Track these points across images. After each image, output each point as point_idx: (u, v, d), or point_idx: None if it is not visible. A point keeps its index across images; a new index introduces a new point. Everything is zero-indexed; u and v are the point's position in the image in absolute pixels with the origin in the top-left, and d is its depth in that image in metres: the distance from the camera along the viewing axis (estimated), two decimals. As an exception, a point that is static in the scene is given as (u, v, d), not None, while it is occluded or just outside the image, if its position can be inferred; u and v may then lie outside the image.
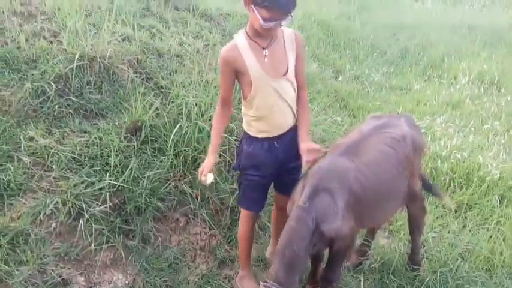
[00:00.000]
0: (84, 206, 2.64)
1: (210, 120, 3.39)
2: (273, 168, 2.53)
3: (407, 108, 5.54)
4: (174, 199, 3.11)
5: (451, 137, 4.59)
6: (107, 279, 2.62)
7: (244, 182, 2.61)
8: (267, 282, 2.18)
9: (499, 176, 3.96)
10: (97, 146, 2.96)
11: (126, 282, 2.67)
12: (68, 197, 2.65)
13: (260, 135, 2.45)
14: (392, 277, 2.98)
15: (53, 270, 2.43)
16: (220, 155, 3.23)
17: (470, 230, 3.48)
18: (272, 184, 2.74)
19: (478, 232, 3.45)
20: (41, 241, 2.50)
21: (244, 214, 2.70)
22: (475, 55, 7.74)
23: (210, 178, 2.43)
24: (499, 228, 3.48)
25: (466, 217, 3.70)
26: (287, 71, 2.32)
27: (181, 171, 3.21)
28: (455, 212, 3.78)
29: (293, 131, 2.47)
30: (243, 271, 2.84)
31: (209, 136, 3.32)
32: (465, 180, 4.00)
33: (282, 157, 2.49)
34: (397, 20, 9.35)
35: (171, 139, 3.14)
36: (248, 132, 2.50)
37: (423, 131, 4.75)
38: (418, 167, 2.85)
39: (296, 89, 2.42)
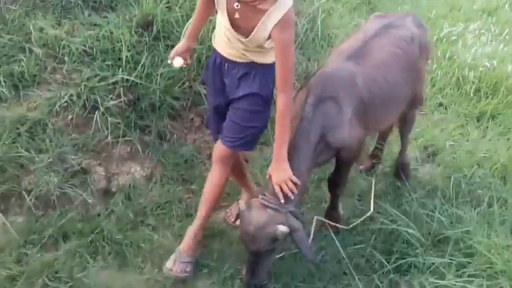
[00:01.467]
0: (98, 99, 2.64)
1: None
2: (217, 91, 2.21)
3: (440, 13, 5.14)
4: (189, 99, 3.08)
5: (482, 45, 4.31)
6: (125, 171, 2.70)
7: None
8: (265, 196, 2.08)
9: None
10: (108, 39, 2.87)
11: (144, 174, 2.75)
12: (82, 89, 2.64)
13: (216, 47, 2.15)
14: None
15: (72, 159, 2.51)
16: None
17: (489, 140, 3.41)
18: None
19: (498, 142, 3.37)
20: (59, 131, 2.55)
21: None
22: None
23: (177, 62, 2.21)
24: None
25: (487, 127, 3.60)
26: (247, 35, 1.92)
27: (195, 71, 3.12)
28: (477, 121, 3.67)
29: (254, 68, 2.05)
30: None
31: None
32: (491, 90, 3.83)
33: (229, 85, 2.14)
34: None
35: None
36: (213, 42, 2.23)
37: (454, 38, 4.47)
38: (424, 70, 2.72)
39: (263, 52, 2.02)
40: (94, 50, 2.78)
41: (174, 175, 2.83)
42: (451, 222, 2.57)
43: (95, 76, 2.71)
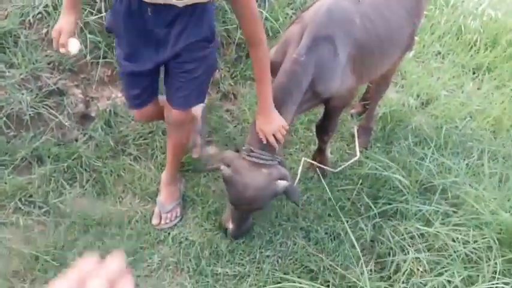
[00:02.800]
0: (77, 13, 2.36)
1: None
2: (142, 46, 1.72)
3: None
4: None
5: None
6: (106, 95, 2.51)
7: (119, 68, 1.95)
8: (253, 152, 1.88)
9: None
10: None
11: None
12: (59, 0, 2.35)
13: None
14: (396, 128, 2.92)
15: (47, 78, 2.29)
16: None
17: (484, 93, 3.34)
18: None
19: (492, 95, 3.31)
20: (32, 46, 2.30)
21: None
22: None
23: (73, 47, 1.59)
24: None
25: (482, 80, 3.52)
26: None
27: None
28: (473, 73, 3.58)
29: (192, 9, 1.63)
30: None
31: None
32: (491, 42, 3.71)
33: (159, 35, 1.68)
34: None
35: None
36: None
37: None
38: (423, 10, 2.50)
39: None
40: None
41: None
42: (440, 172, 2.54)
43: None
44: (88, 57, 2.40)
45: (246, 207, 1.98)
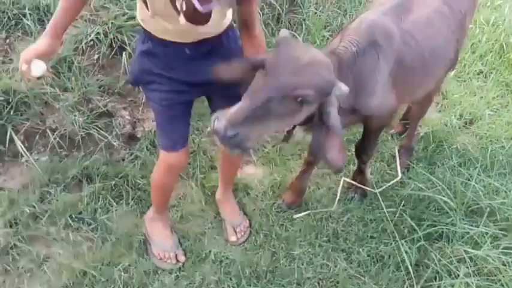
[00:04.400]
0: (126, 39, 2.51)
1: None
2: (187, 73, 1.68)
3: (485, -25, 4.79)
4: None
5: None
6: (151, 117, 2.61)
7: (152, 105, 1.84)
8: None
9: None
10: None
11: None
12: (109, 28, 2.51)
13: (160, 35, 1.61)
14: (439, 148, 2.86)
15: (98, 100, 2.42)
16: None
17: (531, 112, 3.21)
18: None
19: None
20: (84, 71, 2.46)
21: (161, 158, 1.94)
22: None
23: (36, 69, 1.46)
24: None
25: (527, 98, 3.40)
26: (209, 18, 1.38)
27: None
28: (519, 91, 3.46)
29: (223, 38, 1.67)
30: (155, 214, 2.18)
31: None
32: (538, 59, 3.58)
33: (205, 71, 1.63)
34: None
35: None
36: (143, 24, 1.66)
37: (500, 2, 4.16)
38: (468, 27, 2.44)
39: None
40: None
41: (199, 126, 2.73)
42: (487, 193, 2.45)
43: (123, 15, 2.58)
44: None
45: (289, 80, 1.43)
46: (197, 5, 1.23)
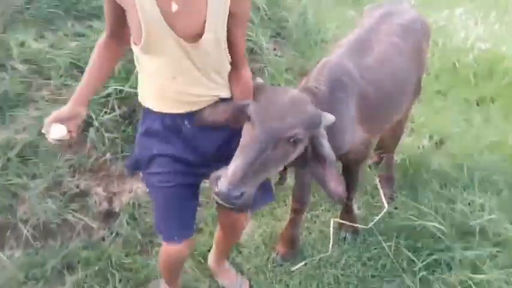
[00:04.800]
0: (92, 114, 2.44)
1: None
2: (187, 149, 1.59)
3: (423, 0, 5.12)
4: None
5: (472, 29, 4.28)
6: (127, 189, 2.51)
7: (151, 190, 1.70)
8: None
9: (524, 66, 3.75)
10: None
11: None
12: (73, 105, 2.43)
13: (156, 108, 1.54)
14: (417, 172, 2.90)
15: (69, 182, 2.31)
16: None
17: (494, 124, 3.35)
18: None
19: (504, 125, 3.32)
20: (51, 153, 2.35)
21: (164, 249, 1.77)
22: None
23: (56, 131, 1.45)
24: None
25: (487, 111, 3.55)
26: (202, 33, 1.39)
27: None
28: (477, 105, 3.62)
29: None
30: (165, 286, 2.06)
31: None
32: (488, 73, 3.79)
33: (205, 145, 1.59)
34: None
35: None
36: (141, 101, 1.59)
37: (442, 23, 4.43)
38: (426, 54, 2.56)
39: (229, 60, 1.54)
40: (81, 61, 2.59)
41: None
42: (473, 211, 2.48)
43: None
44: (107, 155, 2.43)
45: (275, 123, 1.43)
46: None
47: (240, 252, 2.41)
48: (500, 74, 3.71)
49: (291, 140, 1.45)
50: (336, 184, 1.53)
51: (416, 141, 3.22)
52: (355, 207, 2.59)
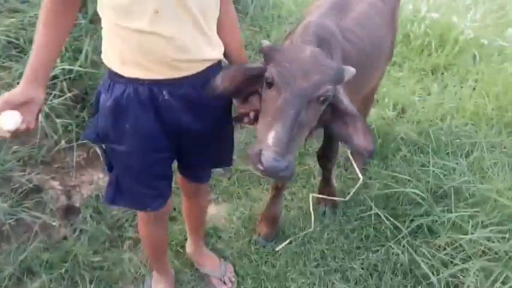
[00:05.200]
0: (39, 98, 2.13)
1: None
2: (163, 137, 1.42)
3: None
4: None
5: (419, 5, 4.36)
6: (87, 181, 2.25)
7: (120, 164, 1.47)
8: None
9: (472, 36, 3.87)
10: (35, 26, 2.34)
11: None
12: (16, 89, 2.11)
13: (128, 73, 1.31)
14: (385, 141, 2.90)
15: (20, 177, 2.01)
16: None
17: (451, 90, 3.44)
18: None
19: (461, 90, 3.41)
20: (-5, 145, 2.03)
21: (140, 215, 1.70)
22: None
23: (8, 121, 1.18)
24: (475, 87, 3.47)
25: (442, 79, 3.64)
26: None
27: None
28: (432, 74, 3.71)
29: (208, 73, 1.39)
30: (157, 275, 1.96)
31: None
32: (439, 42, 3.88)
33: (182, 121, 1.41)
34: None
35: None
36: (108, 64, 1.35)
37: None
38: (398, 17, 2.55)
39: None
40: (21, 40, 2.25)
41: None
42: (445, 175, 2.51)
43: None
44: (62, 143, 2.15)
45: (306, 84, 1.32)
46: None
47: (220, 237, 2.27)
48: (451, 43, 3.81)
49: (321, 98, 1.35)
50: (363, 137, 1.44)
51: (380, 111, 3.22)
52: (334, 180, 2.53)
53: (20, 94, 1.24)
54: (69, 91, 2.28)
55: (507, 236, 2.02)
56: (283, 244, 2.22)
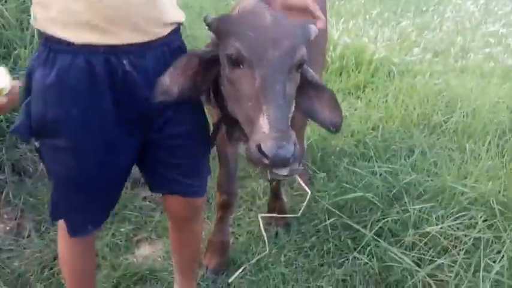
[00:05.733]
0: None
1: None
2: (122, 128, 1.14)
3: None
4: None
5: (333, 26, 4.54)
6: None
7: (57, 168, 1.17)
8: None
9: (384, 55, 4.08)
10: None
11: (7, 228, 1.82)
12: None
13: (77, 39, 1.03)
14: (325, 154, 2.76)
15: None
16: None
17: (374, 105, 3.48)
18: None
19: (384, 103, 3.47)
20: None
21: (63, 234, 1.28)
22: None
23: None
24: (396, 99, 3.56)
25: (364, 96, 3.70)
26: None
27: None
28: (354, 93, 3.76)
29: (172, 41, 1.19)
30: None
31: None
32: (355, 63, 4.00)
33: (147, 103, 1.13)
34: None
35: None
36: (43, 28, 1.07)
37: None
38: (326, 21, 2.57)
39: None
40: None
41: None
42: (392, 177, 2.41)
43: None
44: None
45: (280, 55, 1.11)
46: None
47: (159, 281, 1.85)
48: (366, 62, 3.94)
49: (299, 63, 1.16)
50: (331, 111, 1.28)
51: (313, 127, 3.12)
52: (284, 194, 2.29)
53: None
54: None
55: (472, 222, 1.91)
56: (236, 274, 1.86)
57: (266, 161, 1.00)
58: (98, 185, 1.16)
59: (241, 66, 1.11)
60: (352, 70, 3.94)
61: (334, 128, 1.29)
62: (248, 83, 1.09)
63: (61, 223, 1.24)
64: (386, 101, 3.51)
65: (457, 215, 1.95)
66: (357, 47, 4.07)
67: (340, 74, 3.94)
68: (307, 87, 1.26)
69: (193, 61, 1.19)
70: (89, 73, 1.04)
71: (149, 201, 2.31)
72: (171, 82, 1.13)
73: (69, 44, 1.02)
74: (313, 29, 1.25)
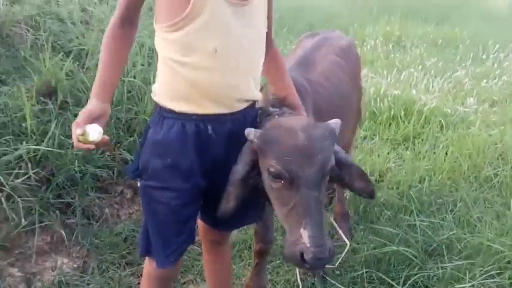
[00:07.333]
0: (0, 178, 2.03)
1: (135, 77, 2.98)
2: (200, 175, 1.42)
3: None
4: (114, 168, 2.60)
5: (380, 84, 4.65)
6: (50, 266, 2.04)
7: (149, 205, 1.44)
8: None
9: (435, 106, 4.08)
10: (3, 112, 2.36)
11: (75, 265, 2.11)
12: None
13: (178, 108, 1.36)
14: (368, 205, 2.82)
15: (-28, 263, 1.81)
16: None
17: (424, 155, 3.48)
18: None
19: (434, 155, 3.46)
20: None
21: (151, 272, 1.53)
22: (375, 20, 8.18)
23: (93, 131, 1.28)
24: (447, 151, 3.53)
25: (413, 148, 3.72)
26: None
27: (115, 137, 2.71)
28: (403, 143, 3.79)
29: (247, 112, 1.45)
30: None
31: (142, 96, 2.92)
32: (405, 114, 4.05)
33: (220, 155, 1.42)
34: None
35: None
36: (158, 101, 1.40)
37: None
38: (361, 79, 2.69)
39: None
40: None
41: (114, 259, 2.23)
42: (433, 232, 2.41)
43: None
44: (23, 221, 1.99)
45: (310, 164, 1.29)
46: None
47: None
48: (416, 114, 3.97)
49: (329, 170, 1.36)
50: (362, 181, 1.47)
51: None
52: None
53: (98, 108, 1.35)
54: (34, 173, 2.19)
55: (507, 282, 1.87)
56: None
57: (307, 266, 1.22)
58: (184, 220, 1.44)
59: (281, 181, 1.30)
60: (402, 121, 3.99)
61: (369, 196, 1.48)
62: (288, 195, 1.29)
63: (147, 262, 1.53)
64: (435, 152, 3.50)
65: (489, 273, 1.92)
66: (405, 98, 4.13)
67: (390, 125, 4.00)
68: (339, 165, 1.44)
69: (241, 182, 1.40)
70: (183, 134, 1.36)
71: (197, 246, 2.52)
72: (229, 204, 1.40)
73: (172, 112, 1.36)
74: (337, 125, 1.44)
